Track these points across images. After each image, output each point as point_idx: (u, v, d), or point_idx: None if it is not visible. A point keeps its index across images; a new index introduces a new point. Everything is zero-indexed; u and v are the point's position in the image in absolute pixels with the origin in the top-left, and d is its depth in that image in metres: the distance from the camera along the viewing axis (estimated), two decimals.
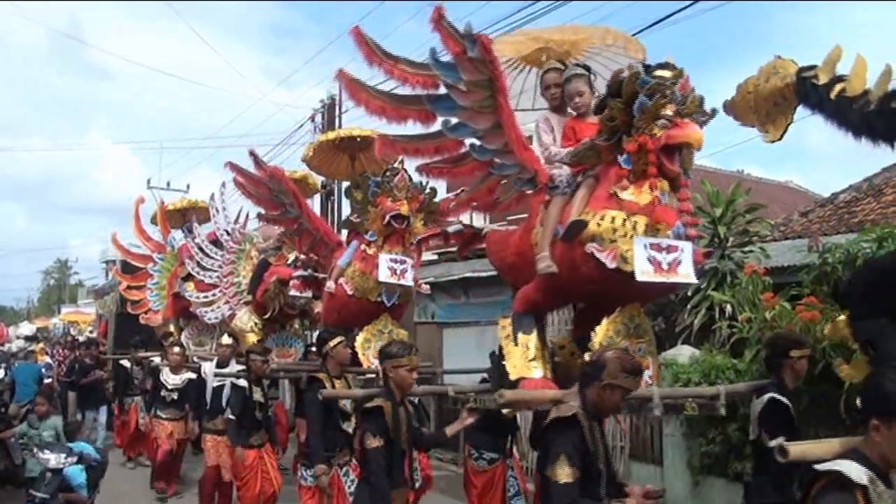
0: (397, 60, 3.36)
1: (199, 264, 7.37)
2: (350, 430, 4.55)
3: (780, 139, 3.08)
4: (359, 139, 6.49)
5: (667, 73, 3.00)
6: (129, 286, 9.58)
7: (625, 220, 2.97)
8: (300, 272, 6.68)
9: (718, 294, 6.06)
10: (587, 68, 3.51)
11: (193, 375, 7.14)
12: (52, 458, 4.93)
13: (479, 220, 10.31)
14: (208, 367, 6.54)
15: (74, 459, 4.98)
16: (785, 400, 3.39)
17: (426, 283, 6.25)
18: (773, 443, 3.30)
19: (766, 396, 3.40)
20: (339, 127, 15.21)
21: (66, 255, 52.77)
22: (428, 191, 5.55)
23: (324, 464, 4.40)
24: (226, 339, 6.24)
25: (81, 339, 14.90)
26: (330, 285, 5.53)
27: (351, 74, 3.51)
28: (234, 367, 6.35)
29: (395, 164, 5.63)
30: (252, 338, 6.66)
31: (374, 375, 5.08)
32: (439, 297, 9.77)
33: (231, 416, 5.76)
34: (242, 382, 5.98)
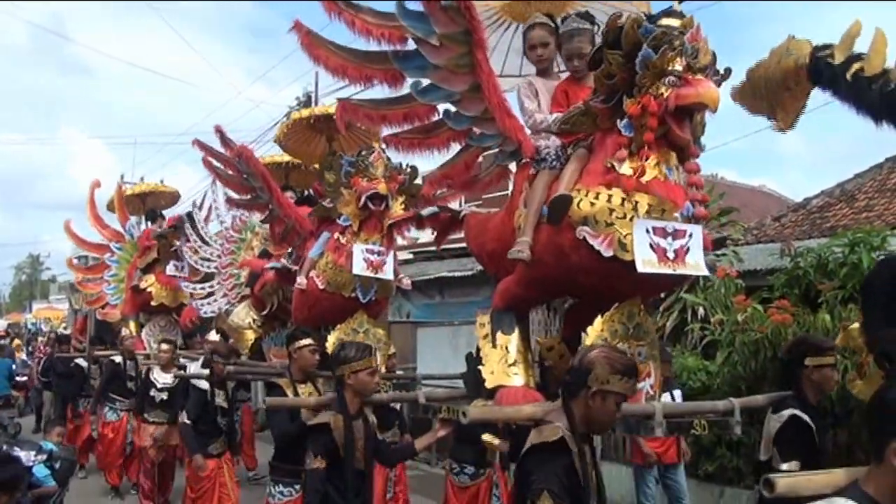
0: (359, 10, 2.97)
1: (196, 252, 6.98)
2: None
3: (791, 127, 2.80)
4: (335, 116, 6.09)
5: (674, 22, 2.62)
6: (85, 279, 9.16)
7: (624, 200, 2.58)
8: (272, 263, 6.33)
9: (691, 296, 6.25)
10: (591, 20, 3.10)
11: (183, 373, 6.75)
12: (23, 456, 4.77)
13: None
14: (194, 368, 6.14)
15: (44, 457, 4.93)
16: (807, 418, 3.01)
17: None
18: (784, 466, 2.95)
19: (787, 413, 3.00)
20: None
21: (39, 250, 52.60)
22: (408, 171, 5.21)
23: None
24: (213, 336, 5.81)
25: (53, 335, 14.61)
26: (301, 280, 5.16)
27: (307, 26, 3.12)
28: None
29: (373, 143, 5.31)
30: (250, 335, 6.30)
31: None
32: (414, 296, 9.82)
33: (186, 421, 5.38)
34: (203, 384, 5.62)
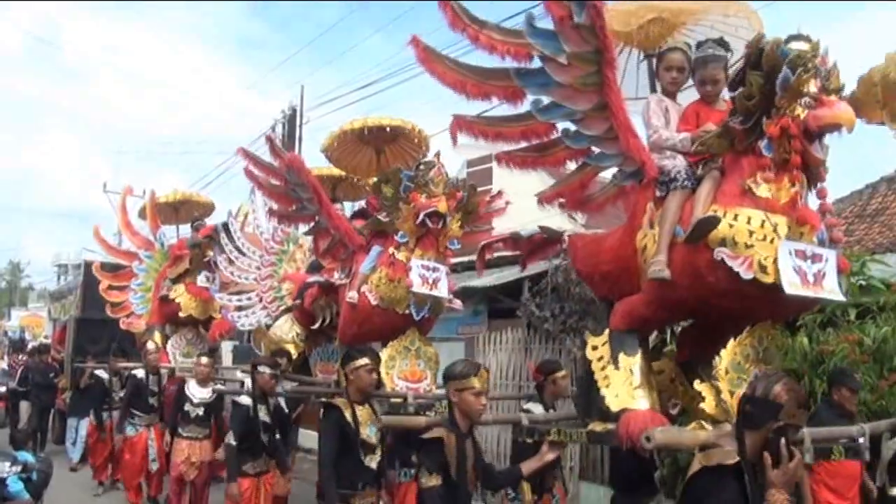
0: (484, 25, 3.01)
1: (233, 263, 6.91)
2: (374, 466, 4.12)
3: None
4: (388, 129, 6.12)
5: (803, 45, 2.70)
6: (111, 286, 9.04)
7: (764, 222, 2.65)
8: (315, 277, 6.28)
9: None
10: (727, 47, 3.17)
11: (223, 388, 6.65)
12: None
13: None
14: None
15: (19, 468, 4.80)
16: None
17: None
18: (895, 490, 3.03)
19: None
20: (300, 138, 15.40)
21: (19, 257, 51.99)
22: (467, 188, 5.22)
23: None
24: (270, 370, 5.46)
25: (34, 344, 14.44)
26: (352, 295, 5.11)
27: (425, 42, 3.15)
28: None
29: (431, 157, 5.30)
30: (293, 350, 6.20)
31: (400, 400, 4.70)
32: None
33: (232, 442, 5.25)
34: (246, 400, 5.53)
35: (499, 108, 3.21)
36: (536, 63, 2.98)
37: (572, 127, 3.06)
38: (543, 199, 3.37)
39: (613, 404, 2.91)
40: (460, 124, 3.19)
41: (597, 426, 3.04)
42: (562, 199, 3.35)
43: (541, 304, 7.47)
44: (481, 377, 3.16)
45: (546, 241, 3.87)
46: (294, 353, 6.17)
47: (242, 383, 6.28)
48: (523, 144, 3.19)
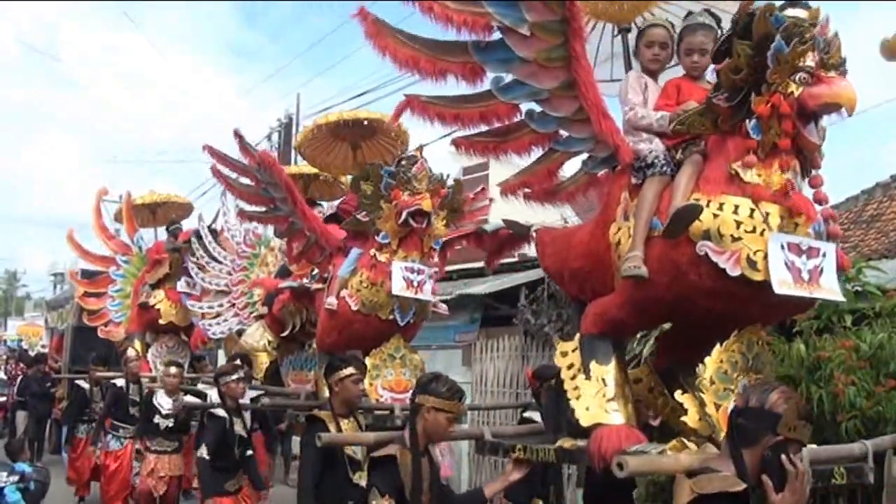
0: None
1: (203, 269, 6.72)
2: (363, 483, 3.82)
3: None
4: (365, 122, 5.84)
5: (801, 13, 2.39)
6: (87, 293, 8.80)
7: (753, 211, 2.32)
8: (288, 282, 6.02)
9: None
10: (718, 20, 2.84)
11: (194, 400, 6.38)
12: None
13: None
14: (216, 396, 5.81)
15: (16, 479, 4.88)
16: None
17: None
18: None
19: None
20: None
21: (15, 266, 52.53)
22: (452, 184, 4.93)
23: None
24: (235, 376, 5.23)
25: (32, 353, 14.39)
26: (331, 301, 4.83)
27: (373, 14, 2.85)
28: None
29: (413, 152, 5.04)
30: (264, 358, 5.98)
31: (387, 412, 4.41)
32: None
33: (205, 456, 4.98)
34: (221, 412, 5.26)
35: None
36: (497, 35, 2.67)
37: (537, 108, 2.75)
38: (506, 188, 3.06)
39: (584, 418, 2.57)
40: (413, 105, 2.88)
41: (566, 443, 2.69)
42: (527, 189, 3.03)
43: (537, 310, 7.27)
44: (462, 404, 2.91)
45: (513, 237, 3.56)
46: (266, 362, 5.89)
47: (205, 395, 6.02)
48: (484, 128, 2.88)
